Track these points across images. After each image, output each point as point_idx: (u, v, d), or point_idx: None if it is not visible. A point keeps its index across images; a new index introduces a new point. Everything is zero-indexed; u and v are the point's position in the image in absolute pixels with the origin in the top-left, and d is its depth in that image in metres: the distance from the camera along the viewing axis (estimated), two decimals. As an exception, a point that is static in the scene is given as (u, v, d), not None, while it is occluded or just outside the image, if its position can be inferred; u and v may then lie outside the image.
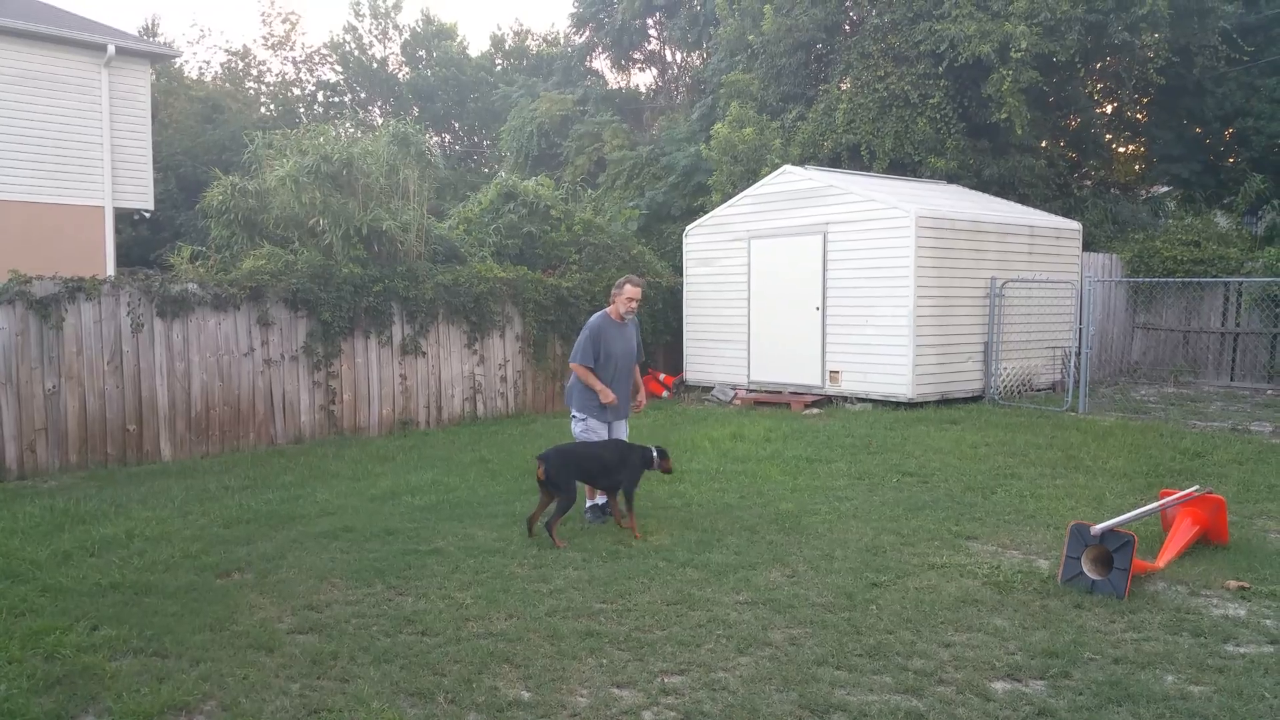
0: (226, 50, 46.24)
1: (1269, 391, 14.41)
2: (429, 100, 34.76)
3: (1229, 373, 15.37)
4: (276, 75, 36.74)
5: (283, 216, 12.30)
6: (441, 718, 4.08)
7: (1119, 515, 6.15)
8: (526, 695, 4.29)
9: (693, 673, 4.52)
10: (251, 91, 34.25)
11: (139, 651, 4.81)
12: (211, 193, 13.13)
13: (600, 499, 7.46)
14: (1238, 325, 15.30)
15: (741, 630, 5.03)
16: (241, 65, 34.90)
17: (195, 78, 32.63)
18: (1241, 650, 4.71)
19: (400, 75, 36.22)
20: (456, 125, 36.36)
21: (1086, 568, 5.59)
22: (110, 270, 15.83)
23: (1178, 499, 6.48)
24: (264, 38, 39.13)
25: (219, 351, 11.03)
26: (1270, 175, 19.11)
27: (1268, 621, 5.09)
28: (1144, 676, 4.40)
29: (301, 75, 36.76)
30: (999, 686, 4.36)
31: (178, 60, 30.10)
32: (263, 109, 33.33)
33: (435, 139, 34.54)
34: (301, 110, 34.57)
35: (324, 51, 36.73)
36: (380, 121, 29.97)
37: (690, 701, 4.22)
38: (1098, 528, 5.58)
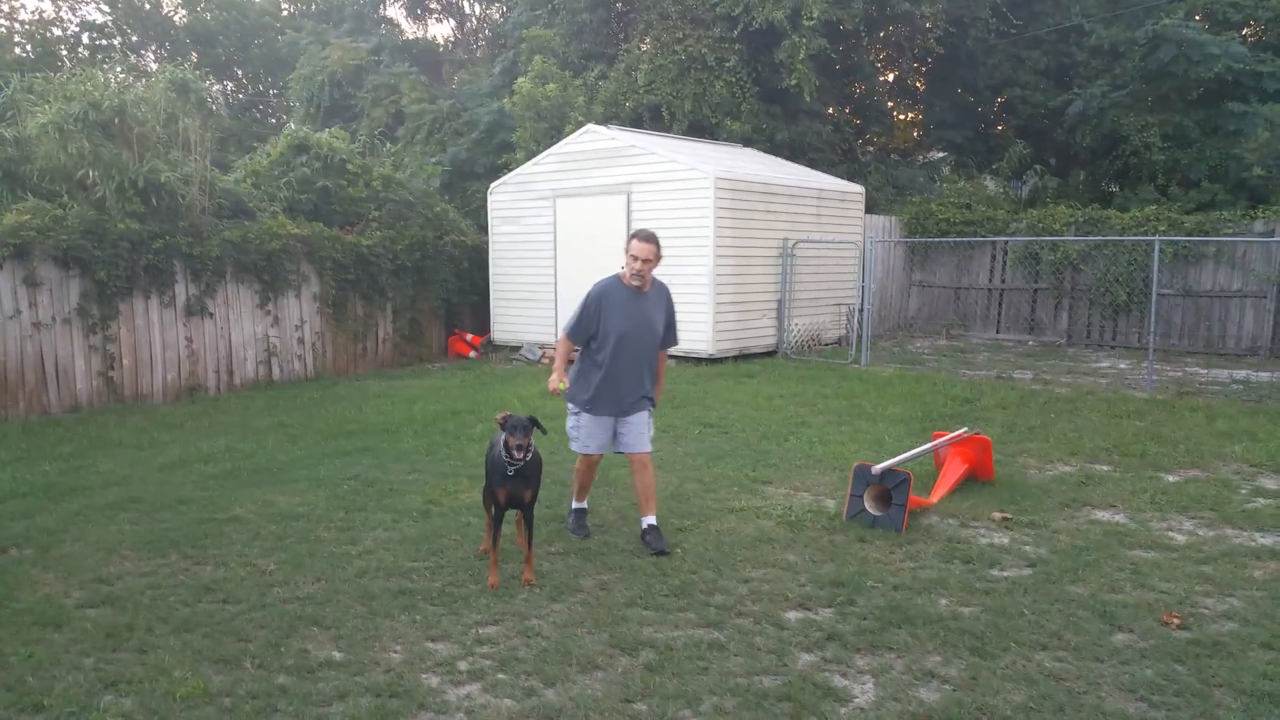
0: (-31, -19, 41.33)
1: (1030, 343, 15.86)
2: (209, 45, 32.48)
3: (995, 326, 16.80)
4: (33, 13, 33.38)
5: (48, 168, 11.27)
6: (249, 682, 3.99)
7: (896, 456, 6.68)
8: (338, 655, 4.26)
9: (507, 622, 4.61)
10: (2, 30, 30.88)
11: (-100, 640, 4.42)
12: (-38, 141, 11.84)
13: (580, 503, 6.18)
14: (1003, 282, 16.72)
15: (554, 579, 5.16)
16: (-12, -1, 31.40)
17: (-68, 10, 29.10)
18: (1005, 574, 5.25)
19: (176, 18, 33.66)
20: (240, 73, 34.20)
21: (868, 505, 6.06)
22: None
23: (948, 440, 7.09)
24: (15, -31, 35.33)
25: (-24, 315, 10.08)
26: (1033, 142, 20.88)
27: (1027, 548, 5.69)
28: (920, 601, 4.84)
29: (63, 14, 33.46)
30: (792, 615, 4.69)
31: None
32: (17, 49, 30.11)
33: (217, 87, 32.32)
34: (64, 53, 31.46)
35: (87, -12, 33.62)
36: (155, 68, 27.77)
37: (505, 649, 4.31)
38: (878, 468, 6.05)
